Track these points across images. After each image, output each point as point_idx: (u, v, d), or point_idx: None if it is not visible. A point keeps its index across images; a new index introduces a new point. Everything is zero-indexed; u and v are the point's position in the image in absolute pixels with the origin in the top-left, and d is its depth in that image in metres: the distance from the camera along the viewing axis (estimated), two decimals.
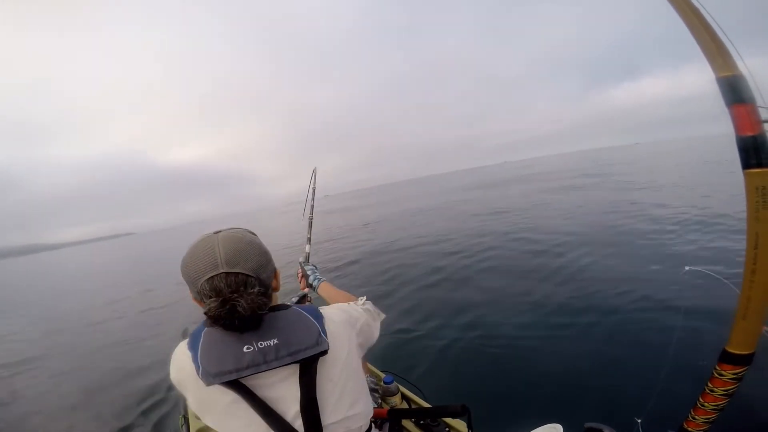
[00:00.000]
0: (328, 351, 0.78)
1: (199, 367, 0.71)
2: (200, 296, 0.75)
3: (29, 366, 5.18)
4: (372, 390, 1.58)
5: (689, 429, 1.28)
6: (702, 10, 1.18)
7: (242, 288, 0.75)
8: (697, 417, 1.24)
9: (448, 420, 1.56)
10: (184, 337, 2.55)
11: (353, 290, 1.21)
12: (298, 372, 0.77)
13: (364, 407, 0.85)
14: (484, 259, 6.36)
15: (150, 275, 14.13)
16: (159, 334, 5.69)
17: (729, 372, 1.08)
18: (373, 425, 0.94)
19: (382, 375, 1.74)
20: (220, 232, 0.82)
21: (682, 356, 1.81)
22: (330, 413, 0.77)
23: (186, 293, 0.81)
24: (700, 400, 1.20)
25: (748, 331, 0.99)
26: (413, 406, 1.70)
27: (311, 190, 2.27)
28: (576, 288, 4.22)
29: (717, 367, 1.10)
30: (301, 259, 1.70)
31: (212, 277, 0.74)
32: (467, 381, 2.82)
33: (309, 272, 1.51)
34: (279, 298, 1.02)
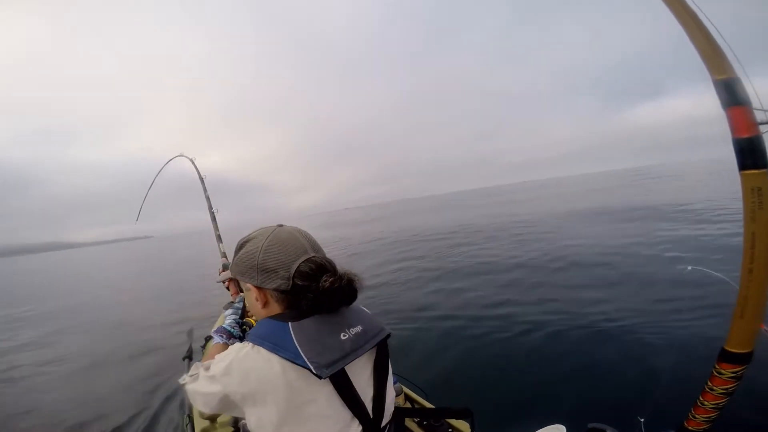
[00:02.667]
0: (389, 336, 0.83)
1: (306, 364, 0.67)
2: (292, 280, 0.77)
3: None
4: None
5: (690, 428, 1.29)
6: (700, 14, 1.20)
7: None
8: (697, 416, 1.25)
9: (452, 421, 1.57)
10: (190, 338, 2.50)
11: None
12: (373, 357, 0.81)
13: (394, 394, 0.90)
14: (505, 264, 6.37)
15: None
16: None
17: (728, 371, 1.10)
18: None
19: (392, 387, 1.75)
20: (282, 226, 0.86)
21: (683, 355, 1.81)
22: (387, 395, 0.83)
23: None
24: (701, 398, 1.21)
25: (746, 330, 1.01)
26: (416, 407, 1.71)
27: (202, 180, 2.22)
28: (578, 291, 4.22)
29: (716, 366, 1.12)
30: (223, 259, 1.67)
31: (308, 259, 0.78)
32: (471, 382, 2.83)
33: None
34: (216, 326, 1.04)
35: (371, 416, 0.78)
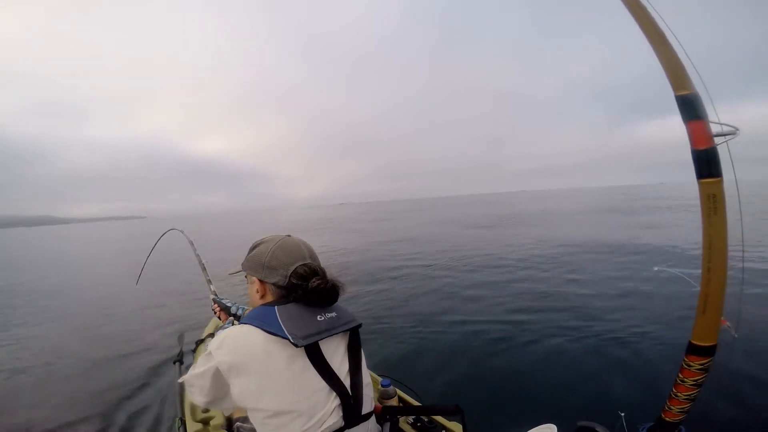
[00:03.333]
0: (360, 327, 0.99)
1: (286, 335, 0.82)
2: (289, 278, 0.95)
3: None
4: None
5: (667, 419, 1.37)
6: (667, 32, 1.30)
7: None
8: (672, 407, 1.33)
9: (444, 422, 1.61)
10: (180, 342, 2.60)
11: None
12: (346, 340, 0.97)
13: (371, 384, 1.03)
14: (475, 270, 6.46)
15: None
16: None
17: (696, 363, 1.18)
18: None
19: (380, 378, 1.78)
20: (290, 236, 1.06)
21: (657, 351, 1.91)
22: (363, 376, 0.96)
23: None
24: (674, 390, 1.30)
25: (709, 325, 1.09)
26: (407, 405, 1.75)
27: (198, 261, 2.55)
28: (558, 295, 4.33)
29: (685, 359, 1.20)
30: (213, 296, 1.90)
31: (304, 264, 0.97)
32: (463, 384, 2.89)
33: (228, 304, 1.71)
34: (206, 330, 1.21)
35: (349, 392, 0.90)
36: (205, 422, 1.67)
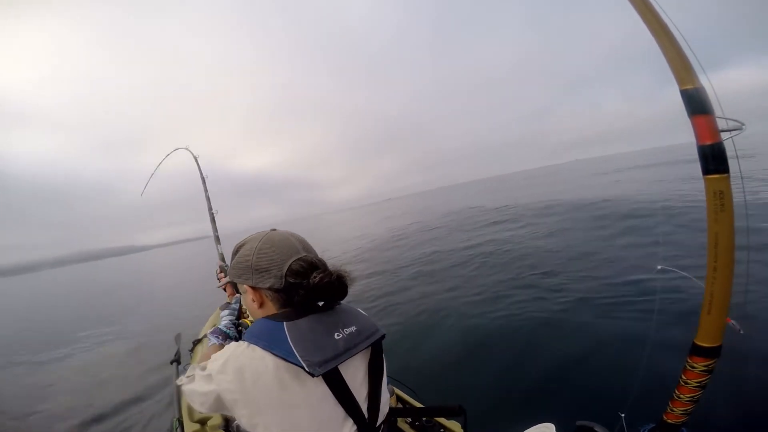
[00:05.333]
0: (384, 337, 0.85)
1: (300, 362, 0.69)
2: (285, 278, 0.80)
3: None
4: None
5: (669, 420, 1.34)
6: (671, 26, 1.27)
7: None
8: (675, 409, 1.30)
9: (443, 421, 1.60)
10: (177, 342, 2.55)
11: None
12: (368, 357, 0.83)
13: (388, 396, 0.91)
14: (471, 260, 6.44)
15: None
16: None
17: (700, 364, 1.15)
18: None
19: (387, 387, 1.76)
20: (275, 230, 0.90)
21: (658, 351, 1.88)
22: (382, 395, 0.84)
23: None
24: (677, 392, 1.27)
25: (714, 325, 1.06)
26: (408, 407, 1.73)
27: (203, 180, 2.28)
28: (560, 291, 4.31)
29: (689, 360, 1.17)
30: (220, 262, 1.68)
31: (299, 258, 0.81)
32: (460, 383, 2.88)
33: None
34: (203, 330, 1.09)
35: (366, 416, 0.79)
36: (203, 422, 1.65)
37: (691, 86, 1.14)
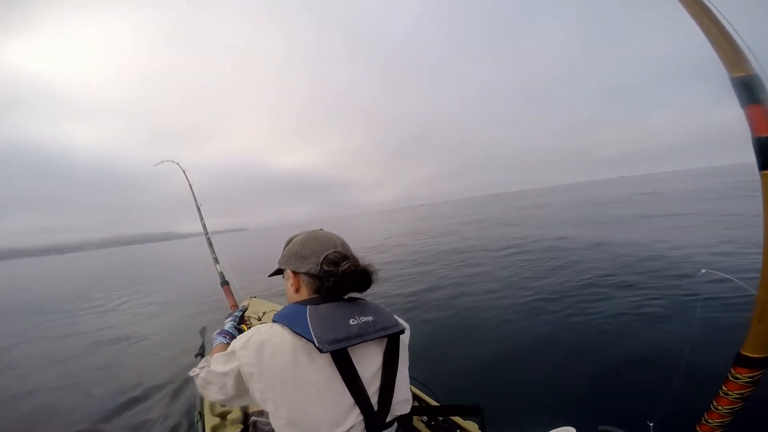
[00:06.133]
0: (404, 333, 0.91)
1: (312, 338, 0.75)
2: (321, 265, 0.91)
3: None
4: None
5: None
6: (714, 10, 1.17)
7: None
8: (711, 420, 1.22)
9: (459, 421, 1.55)
10: (202, 335, 2.60)
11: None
12: (384, 347, 0.88)
13: (410, 396, 0.95)
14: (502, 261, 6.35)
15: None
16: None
17: (744, 375, 1.07)
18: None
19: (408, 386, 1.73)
20: (322, 229, 1.03)
21: (696, 360, 1.78)
22: (397, 392, 0.87)
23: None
24: (714, 403, 1.19)
25: (765, 334, 0.98)
26: (424, 405, 1.69)
27: (191, 188, 2.30)
28: (591, 291, 4.19)
29: (732, 371, 1.09)
30: (221, 280, 1.83)
31: (336, 250, 0.93)
32: (479, 382, 2.81)
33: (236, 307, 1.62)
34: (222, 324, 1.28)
35: (375, 408, 0.82)
36: (223, 416, 1.72)
37: (744, 73, 1.05)
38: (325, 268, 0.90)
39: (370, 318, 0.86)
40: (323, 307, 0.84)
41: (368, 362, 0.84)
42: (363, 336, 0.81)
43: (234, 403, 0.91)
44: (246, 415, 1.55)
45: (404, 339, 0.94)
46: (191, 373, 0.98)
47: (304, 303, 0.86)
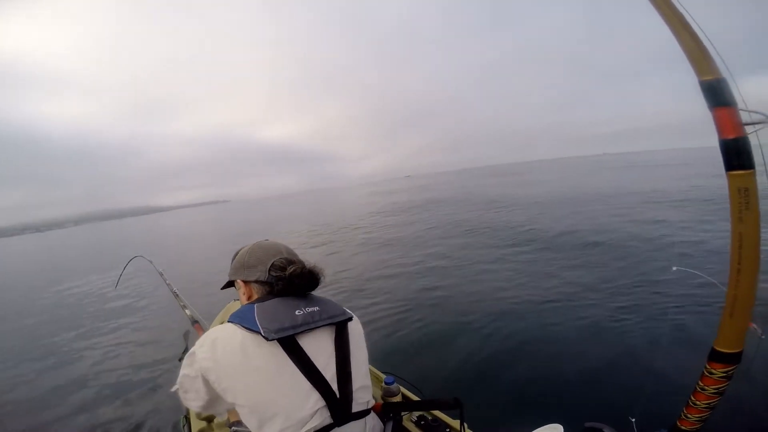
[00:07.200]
0: (352, 321, 0.97)
1: (259, 329, 0.81)
2: (269, 272, 0.96)
3: None
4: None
5: (683, 427, 1.29)
6: (686, 14, 1.21)
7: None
8: (690, 415, 1.25)
9: (448, 420, 1.56)
10: (186, 339, 2.60)
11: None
12: (333, 335, 0.92)
13: (369, 383, 0.98)
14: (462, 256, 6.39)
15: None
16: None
17: (719, 370, 1.10)
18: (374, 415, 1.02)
19: (383, 376, 1.73)
20: (267, 240, 1.09)
21: (672, 355, 1.82)
22: (354, 378, 0.91)
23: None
24: (692, 398, 1.22)
25: (736, 329, 1.01)
26: (404, 401, 1.69)
27: (161, 276, 2.58)
28: (570, 291, 4.25)
29: (707, 366, 1.12)
30: (191, 321, 2.07)
31: (282, 257, 0.99)
32: (468, 382, 2.83)
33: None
34: (212, 325, 1.21)
35: (336, 393, 0.85)
36: (209, 420, 1.70)
37: (712, 77, 1.08)
38: (273, 273, 0.96)
39: (315, 308, 0.91)
40: (269, 302, 0.90)
41: (320, 349, 0.88)
42: (309, 324, 0.86)
43: (215, 408, 0.94)
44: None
45: (356, 327, 0.99)
46: (172, 390, 1.01)
47: (253, 302, 0.92)
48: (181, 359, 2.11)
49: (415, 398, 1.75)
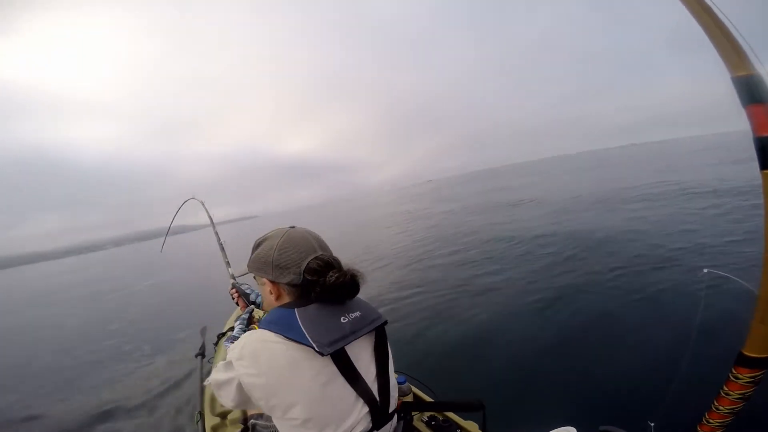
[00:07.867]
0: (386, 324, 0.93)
1: (309, 342, 0.75)
2: (303, 275, 0.86)
3: None
4: None
5: None
6: (715, 9, 1.17)
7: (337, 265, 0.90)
8: (711, 420, 1.22)
9: (460, 421, 1.55)
10: (203, 335, 2.64)
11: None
12: (373, 340, 0.90)
13: (396, 384, 0.97)
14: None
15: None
16: None
17: (746, 375, 1.07)
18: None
19: (395, 375, 1.73)
20: (294, 227, 0.96)
21: (697, 360, 1.77)
22: (390, 379, 0.90)
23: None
24: (716, 403, 1.18)
25: (767, 335, 0.98)
26: (425, 402, 1.68)
27: (212, 222, 2.63)
28: (593, 291, 4.16)
29: (733, 371, 1.09)
30: (232, 280, 1.88)
31: (317, 257, 0.88)
32: (479, 382, 2.80)
33: (247, 290, 1.67)
34: (227, 323, 1.20)
35: (377, 398, 0.84)
36: (223, 416, 1.71)
37: (745, 73, 1.04)
38: (308, 278, 0.86)
39: (358, 314, 0.86)
40: (311, 308, 0.83)
41: (361, 355, 0.86)
42: (356, 333, 0.82)
43: (245, 407, 0.92)
44: (246, 415, 1.54)
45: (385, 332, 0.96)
46: (205, 383, 1.03)
47: (289, 306, 0.85)
48: (198, 355, 2.15)
49: (426, 398, 1.75)
